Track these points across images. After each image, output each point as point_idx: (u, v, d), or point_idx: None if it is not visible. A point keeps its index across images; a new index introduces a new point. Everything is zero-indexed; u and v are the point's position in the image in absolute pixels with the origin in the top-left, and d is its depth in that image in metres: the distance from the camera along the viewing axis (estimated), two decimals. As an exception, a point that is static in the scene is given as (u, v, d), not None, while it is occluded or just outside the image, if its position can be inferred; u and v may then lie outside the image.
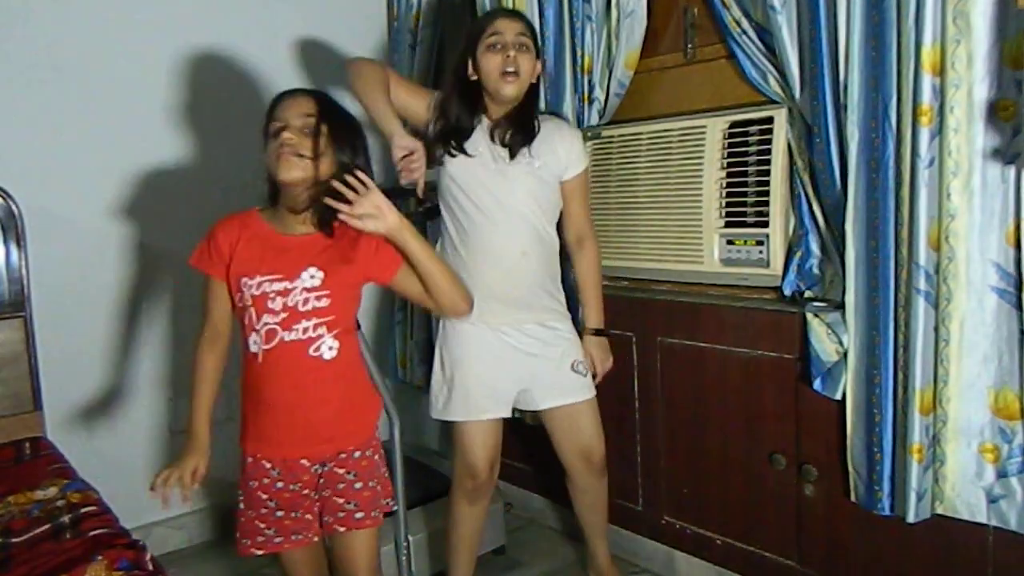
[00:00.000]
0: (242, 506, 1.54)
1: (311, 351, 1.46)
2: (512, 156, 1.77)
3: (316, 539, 1.55)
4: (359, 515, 1.53)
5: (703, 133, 1.93)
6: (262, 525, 1.51)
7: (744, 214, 1.87)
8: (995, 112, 1.43)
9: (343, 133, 1.47)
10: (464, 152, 1.77)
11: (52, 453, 1.90)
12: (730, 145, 1.89)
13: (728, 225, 1.90)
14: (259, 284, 1.45)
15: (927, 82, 1.45)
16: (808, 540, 1.85)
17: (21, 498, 1.62)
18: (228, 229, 1.48)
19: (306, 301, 1.45)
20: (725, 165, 1.90)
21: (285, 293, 1.44)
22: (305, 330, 1.45)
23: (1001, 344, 1.47)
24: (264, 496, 1.50)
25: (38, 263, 2.06)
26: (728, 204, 1.90)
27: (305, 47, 2.61)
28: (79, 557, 1.36)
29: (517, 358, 1.82)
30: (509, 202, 1.78)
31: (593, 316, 1.91)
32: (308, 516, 1.53)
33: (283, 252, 1.47)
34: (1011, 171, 1.42)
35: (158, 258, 2.34)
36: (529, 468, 2.52)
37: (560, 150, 1.81)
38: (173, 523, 2.41)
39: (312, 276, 1.45)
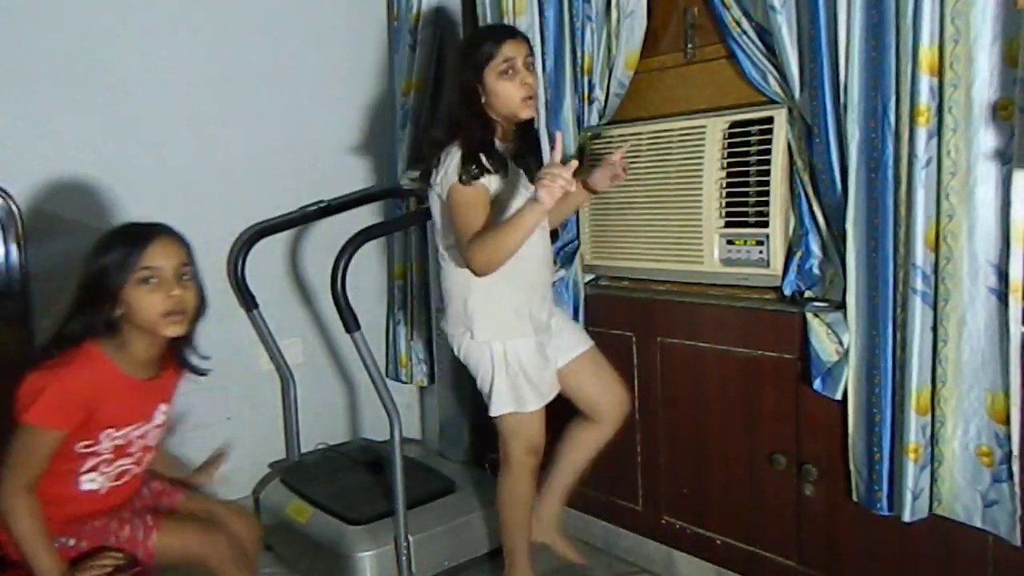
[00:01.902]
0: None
1: (143, 473, 1.56)
2: (532, 180, 1.84)
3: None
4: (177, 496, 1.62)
5: (703, 133, 1.92)
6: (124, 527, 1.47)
7: (744, 214, 1.87)
8: (994, 112, 1.43)
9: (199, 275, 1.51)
10: (505, 166, 1.78)
11: (52, 453, 1.90)
12: (730, 145, 1.89)
13: (728, 225, 1.90)
14: (126, 434, 1.45)
15: (924, 82, 1.45)
16: (808, 540, 1.85)
17: (21, 499, 1.62)
18: (84, 384, 1.37)
19: (156, 435, 1.53)
20: (725, 165, 1.89)
21: (143, 436, 1.49)
22: (148, 461, 1.54)
23: (999, 346, 1.47)
24: (101, 524, 1.47)
25: (38, 263, 2.05)
26: (728, 204, 1.90)
27: (304, 47, 2.61)
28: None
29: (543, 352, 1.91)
30: None
31: None
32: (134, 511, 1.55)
33: (142, 398, 1.48)
34: (1010, 171, 1.42)
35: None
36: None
37: None
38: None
39: (163, 412, 1.52)
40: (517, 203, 1.77)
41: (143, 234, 1.40)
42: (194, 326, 1.49)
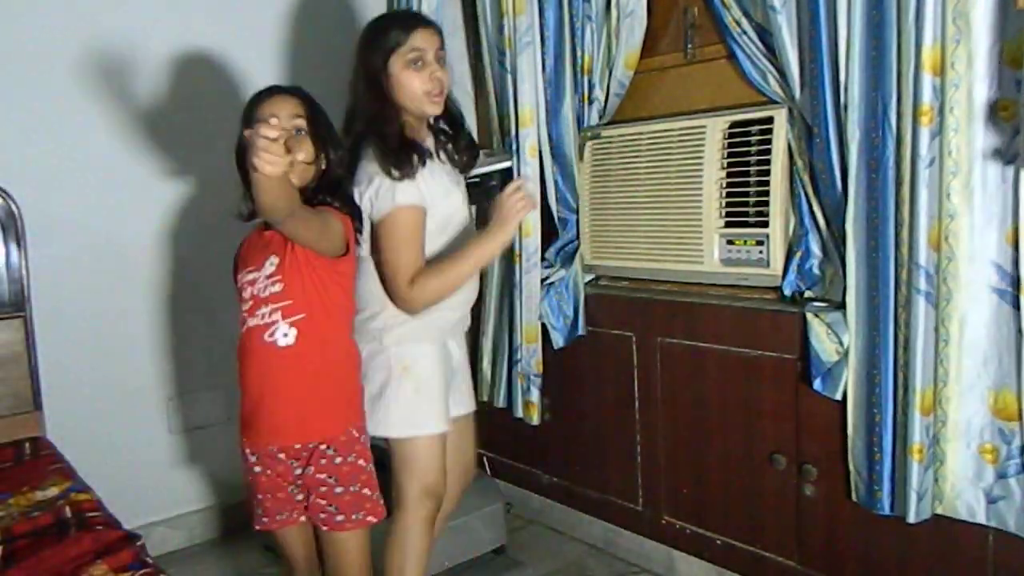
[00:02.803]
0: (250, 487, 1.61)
1: (266, 337, 1.49)
2: (464, 170, 1.75)
3: (302, 520, 1.60)
4: (339, 518, 1.55)
5: (703, 133, 1.93)
6: (254, 506, 1.60)
7: (744, 214, 1.87)
8: (995, 112, 1.43)
9: (327, 132, 1.54)
10: (437, 158, 1.65)
11: (52, 453, 1.90)
12: (730, 145, 1.89)
13: (728, 225, 1.90)
14: (241, 278, 1.54)
15: (927, 82, 1.45)
16: (808, 540, 1.85)
17: (22, 500, 1.62)
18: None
19: (264, 288, 1.50)
20: (725, 165, 1.89)
21: (253, 283, 1.51)
22: (263, 315, 1.50)
23: (1001, 345, 1.47)
24: (249, 480, 1.58)
25: (38, 263, 2.05)
26: (728, 204, 1.90)
27: (305, 47, 2.60)
28: (80, 558, 1.37)
29: (450, 365, 1.75)
30: (467, 211, 1.76)
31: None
32: (286, 498, 1.57)
33: (260, 246, 1.54)
34: (1011, 171, 1.42)
35: (158, 258, 2.34)
36: (529, 468, 2.52)
37: None
38: (173, 523, 2.41)
39: (271, 263, 1.50)
40: (451, 200, 1.65)
41: (263, 91, 1.55)
42: (306, 180, 1.53)
